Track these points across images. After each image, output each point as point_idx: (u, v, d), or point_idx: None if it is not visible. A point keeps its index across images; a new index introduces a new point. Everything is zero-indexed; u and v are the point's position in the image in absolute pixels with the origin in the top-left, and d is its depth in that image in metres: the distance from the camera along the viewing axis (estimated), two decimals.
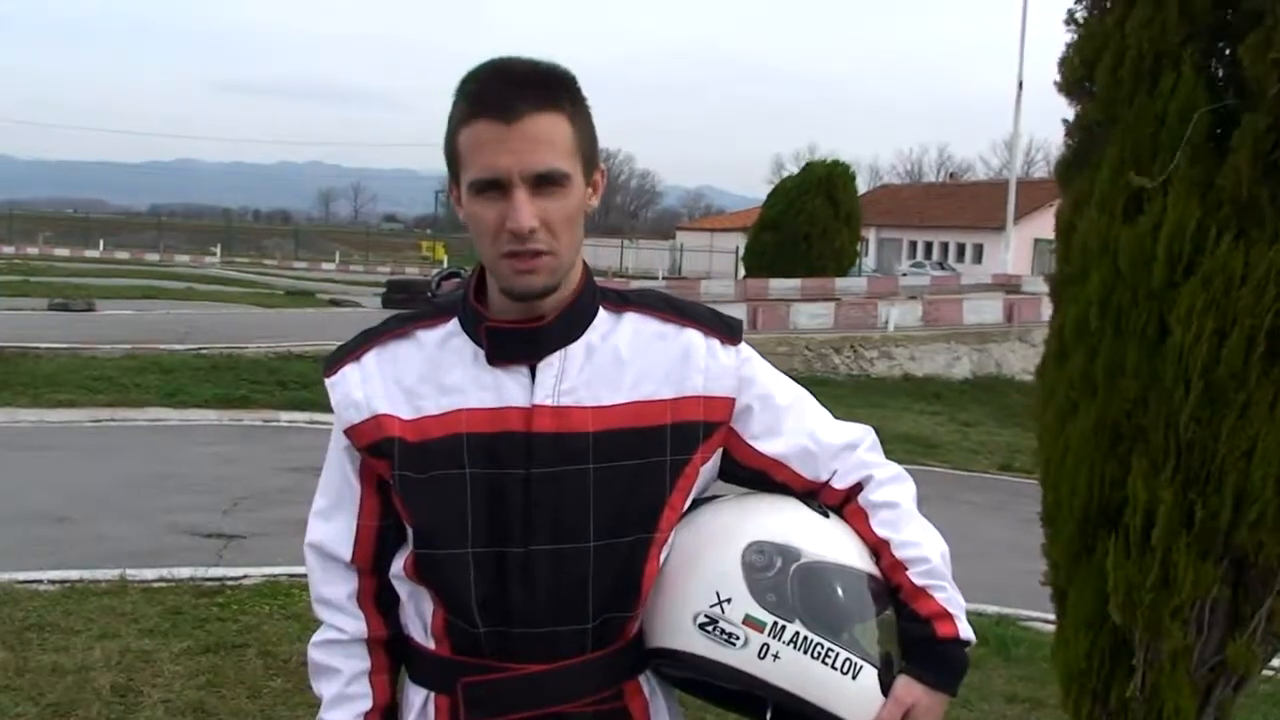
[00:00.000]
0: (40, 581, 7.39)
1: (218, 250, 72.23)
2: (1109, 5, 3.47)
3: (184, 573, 7.75)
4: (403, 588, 2.06)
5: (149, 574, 7.66)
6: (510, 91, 1.88)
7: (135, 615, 6.76)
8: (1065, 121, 3.68)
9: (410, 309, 2.15)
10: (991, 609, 8.07)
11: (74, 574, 7.59)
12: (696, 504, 2.08)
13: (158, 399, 15.20)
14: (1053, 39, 3.70)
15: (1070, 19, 3.63)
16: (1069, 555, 3.53)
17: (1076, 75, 3.60)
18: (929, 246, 73.63)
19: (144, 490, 10.51)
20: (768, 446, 2.09)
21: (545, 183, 1.88)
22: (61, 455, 12.02)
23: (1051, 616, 3.83)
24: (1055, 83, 3.67)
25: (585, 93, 1.98)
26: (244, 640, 6.42)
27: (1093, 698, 3.51)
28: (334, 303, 34.94)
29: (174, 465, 11.71)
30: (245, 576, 7.75)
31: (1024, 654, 7.06)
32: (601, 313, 2.05)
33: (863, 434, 2.18)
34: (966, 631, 2.05)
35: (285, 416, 14.68)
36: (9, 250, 62.98)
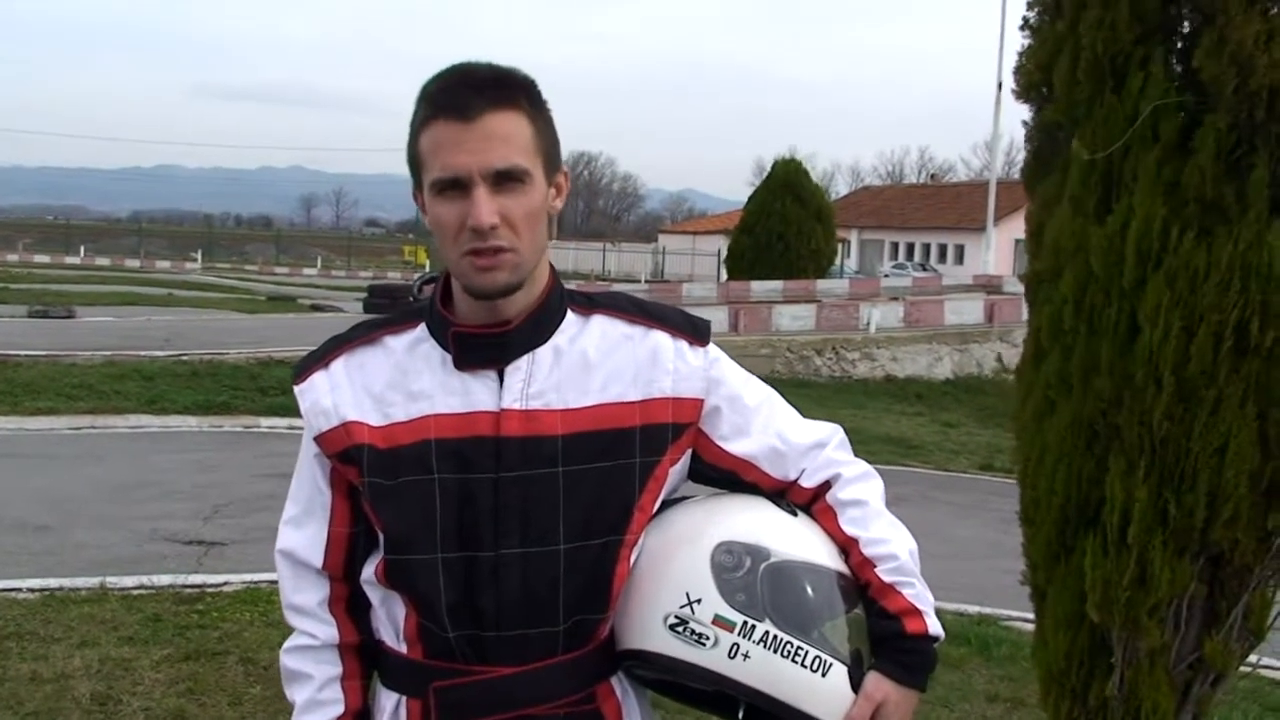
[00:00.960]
0: (19, 590, 7.34)
1: (199, 256, 72.06)
2: (1061, 9, 3.49)
3: (164, 580, 7.72)
4: (374, 593, 2.06)
5: (129, 581, 7.63)
6: (468, 92, 1.89)
7: (115, 623, 6.72)
8: (1025, 124, 3.70)
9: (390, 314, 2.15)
10: (973, 609, 8.10)
11: (53, 582, 7.55)
12: (666, 505, 2.08)
13: (138, 406, 15.14)
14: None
15: (1025, 25, 3.65)
16: (1047, 554, 3.54)
17: (1033, 80, 3.62)
18: (910, 247, 73.78)
19: (124, 497, 10.47)
20: (736, 447, 2.10)
21: (505, 180, 1.89)
22: (41, 463, 11.96)
23: (1032, 616, 3.84)
24: (1012, 90, 3.70)
25: (547, 96, 1.99)
26: (224, 647, 6.39)
27: (1072, 696, 3.52)
28: (316, 308, 34.86)
29: (154, 472, 11.66)
30: (225, 583, 7.72)
31: (1005, 654, 7.07)
32: (569, 315, 2.05)
33: (830, 433, 2.18)
34: (935, 628, 2.06)
35: (266, 422, 14.64)
36: None
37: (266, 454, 12.33)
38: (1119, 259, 3.25)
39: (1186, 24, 3.30)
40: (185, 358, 18.25)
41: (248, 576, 7.78)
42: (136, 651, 6.25)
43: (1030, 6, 3.63)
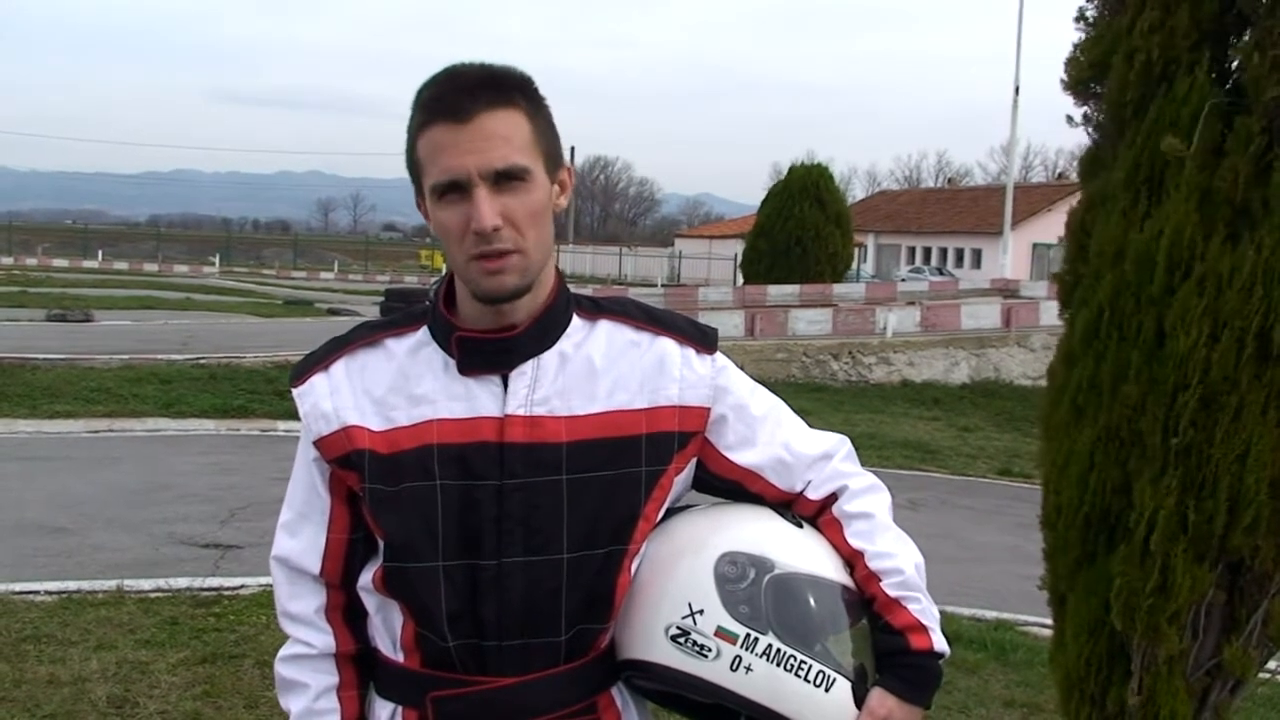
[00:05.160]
0: (37, 592, 7.38)
1: (216, 260, 72.28)
2: (1121, 6, 3.45)
3: (181, 583, 7.75)
4: (371, 601, 2.03)
5: (146, 584, 7.67)
6: (461, 93, 1.86)
7: (132, 626, 6.75)
8: (1069, 119, 3.66)
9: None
10: (990, 614, 8.07)
11: (71, 585, 7.60)
12: (669, 514, 2.06)
13: (155, 409, 15.20)
14: (1050, 44, 3.70)
15: (1080, 17, 3.61)
16: (1070, 560, 3.52)
17: (1083, 75, 3.58)
18: (928, 252, 73.65)
19: (141, 501, 10.50)
20: (742, 457, 2.07)
21: (506, 179, 1.85)
22: (59, 466, 12.00)
23: (1049, 621, 3.82)
24: (1061, 80, 3.65)
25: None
26: (241, 650, 6.41)
27: (1090, 703, 3.50)
28: (333, 312, 34.87)
29: (171, 475, 11.70)
30: (242, 586, 7.75)
31: (1022, 659, 7.04)
32: (575, 321, 2.02)
33: (838, 444, 2.16)
34: (940, 644, 2.04)
35: (283, 426, 14.62)
36: (7, 261, 63.12)
37: (283, 457, 12.20)
38: (1152, 265, 3.23)
39: (1230, 26, 3.28)
40: (203, 361, 18.34)
41: (264, 580, 7.78)
42: (153, 654, 6.27)
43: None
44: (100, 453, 12.88)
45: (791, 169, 36.09)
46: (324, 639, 2.07)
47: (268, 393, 16.28)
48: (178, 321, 28.18)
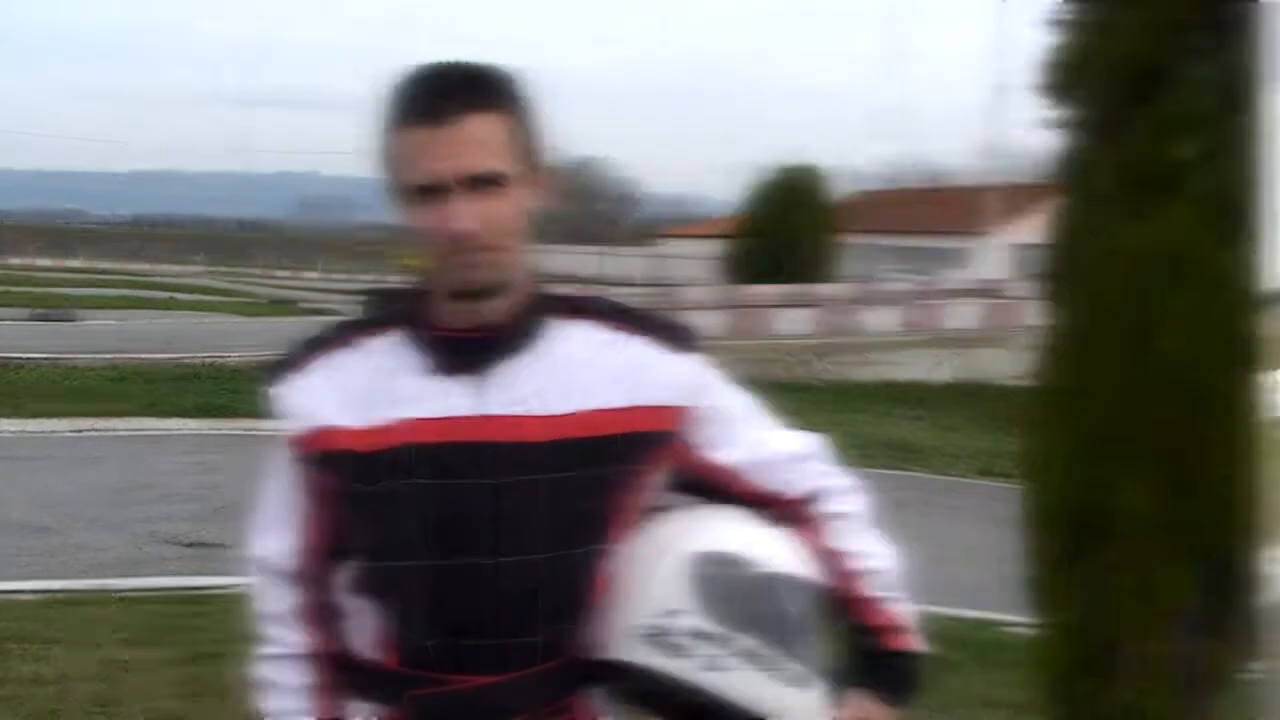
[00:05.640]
0: (21, 592, 7.38)
1: (201, 259, 72.00)
2: (1092, 9, 3.47)
3: (165, 582, 7.75)
4: (348, 601, 2.02)
5: (130, 583, 7.65)
6: (440, 95, 1.84)
7: (116, 625, 6.73)
8: (1047, 121, 3.67)
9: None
10: (972, 614, 8.07)
11: (55, 584, 7.58)
12: (646, 515, 2.04)
13: (139, 409, 15.14)
14: (1029, 44, 3.70)
15: (1056, 21, 3.63)
16: (1051, 560, 3.53)
17: (1060, 77, 3.59)
18: (910, 251, 73.62)
19: (125, 500, 10.46)
20: (719, 457, 2.06)
21: (482, 184, 1.84)
22: (42, 465, 11.96)
23: (1032, 621, 3.83)
24: (1039, 86, 3.66)
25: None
26: (224, 649, 6.39)
27: (1074, 702, 3.52)
28: (316, 311, 34.78)
29: (155, 475, 11.66)
30: (226, 585, 7.71)
31: (1005, 659, 7.05)
32: (551, 320, 2.01)
33: (815, 444, 2.15)
34: (919, 644, 2.04)
35: (266, 425, 14.46)
36: None
37: (267, 456, 12.18)
38: (1149, 265, 3.23)
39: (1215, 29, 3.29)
40: (186, 361, 18.28)
41: (248, 579, 7.77)
42: (137, 653, 6.25)
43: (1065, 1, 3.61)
44: (83, 452, 12.83)
45: (780, 169, 36.09)
46: (300, 639, 2.06)
47: (251, 392, 16.19)
48: (162, 321, 28.10)
